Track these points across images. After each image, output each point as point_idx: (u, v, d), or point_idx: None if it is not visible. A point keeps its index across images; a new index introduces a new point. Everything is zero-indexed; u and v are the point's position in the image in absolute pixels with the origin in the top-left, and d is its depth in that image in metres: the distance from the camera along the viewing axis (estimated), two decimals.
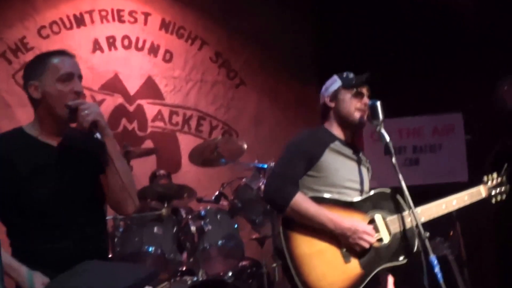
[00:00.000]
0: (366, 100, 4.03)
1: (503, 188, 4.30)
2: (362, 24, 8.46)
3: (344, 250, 3.77)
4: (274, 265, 6.15)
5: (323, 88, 4.16)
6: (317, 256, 3.74)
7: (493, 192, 4.27)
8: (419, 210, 3.96)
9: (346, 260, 3.76)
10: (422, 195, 4.05)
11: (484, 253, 8.39)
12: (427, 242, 3.66)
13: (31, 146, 3.30)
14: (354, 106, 4.01)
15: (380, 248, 3.84)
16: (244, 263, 6.52)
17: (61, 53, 3.40)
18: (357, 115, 4.00)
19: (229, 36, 8.72)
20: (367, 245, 3.76)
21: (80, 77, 3.34)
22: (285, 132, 8.22)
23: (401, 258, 3.86)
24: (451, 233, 7.56)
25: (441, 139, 8.21)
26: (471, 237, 7.94)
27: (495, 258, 8.47)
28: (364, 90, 4.06)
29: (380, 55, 8.27)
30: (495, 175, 4.30)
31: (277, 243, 3.88)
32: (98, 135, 3.18)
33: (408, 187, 3.85)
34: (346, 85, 4.05)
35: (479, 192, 4.23)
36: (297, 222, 3.78)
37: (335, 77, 4.14)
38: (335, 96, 4.07)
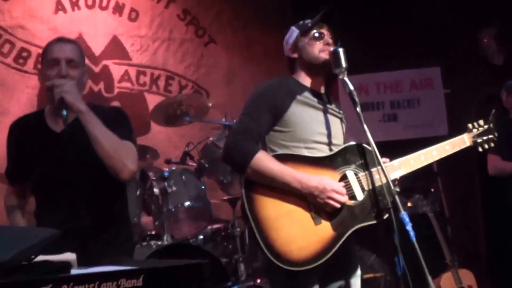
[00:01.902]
0: (328, 40, 3.77)
1: (490, 136, 4.07)
2: None
3: (314, 211, 3.49)
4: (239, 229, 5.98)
5: (284, 42, 3.92)
6: (284, 219, 3.45)
7: (479, 140, 4.03)
8: (396, 163, 3.72)
9: (317, 222, 3.48)
10: (404, 149, 3.82)
11: (470, 209, 8.28)
12: (397, 198, 3.40)
13: (40, 128, 3.63)
14: (317, 49, 3.75)
15: (354, 207, 3.55)
16: (216, 225, 6.37)
17: (56, 40, 3.63)
18: (322, 55, 3.73)
19: None
20: (337, 205, 3.47)
21: (70, 61, 3.52)
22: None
23: (377, 215, 3.58)
24: (432, 190, 7.45)
25: (420, 94, 8.15)
26: (456, 193, 7.84)
27: (482, 213, 8.36)
28: (324, 30, 3.80)
29: (359, 8, 8.10)
30: (481, 122, 4.06)
31: (242, 206, 3.59)
32: (64, 112, 3.33)
33: (388, 142, 3.65)
34: (303, 30, 3.81)
35: (462, 140, 3.96)
36: (261, 183, 3.49)
37: (292, 28, 3.91)
38: (295, 45, 3.83)
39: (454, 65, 8.10)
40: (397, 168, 3.70)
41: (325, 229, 3.48)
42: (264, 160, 3.46)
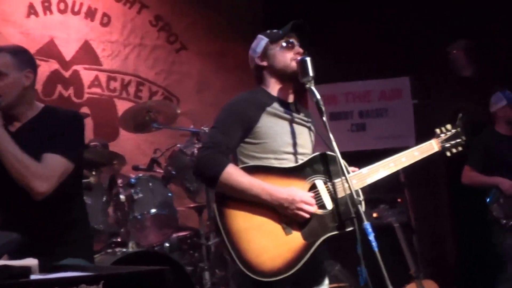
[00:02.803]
0: (298, 49, 3.76)
1: (458, 140, 4.09)
2: None
3: (284, 222, 3.49)
4: (211, 239, 5.98)
5: (250, 50, 3.88)
6: (255, 231, 3.46)
7: (447, 145, 4.05)
8: (366, 170, 3.73)
9: (287, 232, 3.48)
10: (375, 158, 3.82)
11: (437, 220, 8.35)
12: (360, 208, 3.42)
13: None
14: (288, 57, 3.74)
15: (323, 216, 3.55)
16: (182, 233, 6.37)
17: None
18: (289, 64, 3.72)
19: None
20: (307, 215, 3.47)
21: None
22: (231, 96, 7.93)
23: (346, 225, 3.56)
24: (399, 201, 7.49)
25: (388, 104, 8.17)
26: (423, 204, 7.89)
27: (450, 224, 8.44)
28: (294, 40, 3.80)
29: (331, 18, 8.15)
30: (448, 126, 4.08)
31: (213, 217, 3.59)
32: None
33: (359, 151, 3.67)
34: (274, 39, 3.81)
35: (431, 146, 3.95)
36: (231, 196, 3.49)
37: (259, 36, 3.89)
38: (265, 53, 3.80)
39: (423, 76, 8.17)
40: (367, 176, 3.71)
41: (296, 239, 3.49)
42: (233, 174, 3.46)
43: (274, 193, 3.46)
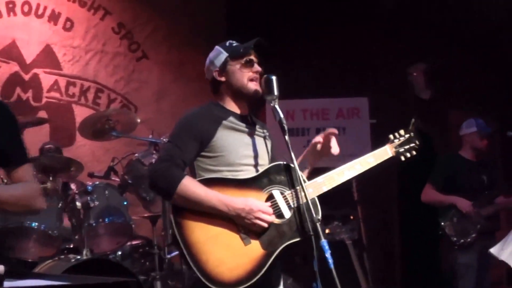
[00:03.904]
0: (257, 67, 3.79)
1: (412, 145, 4.14)
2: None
3: (242, 232, 3.54)
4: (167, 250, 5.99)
5: (207, 62, 3.88)
6: (213, 242, 3.50)
7: (400, 150, 4.10)
8: (321, 179, 3.76)
9: (246, 242, 3.53)
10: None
11: (388, 236, 8.45)
12: (318, 226, 3.48)
13: None
14: (246, 76, 3.77)
15: (281, 225, 3.60)
16: (135, 242, 6.36)
17: None
18: (251, 85, 3.75)
19: (134, 7, 8.47)
20: (264, 224, 3.52)
21: None
22: (189, 106, 7.84)
23: (303, 234, 3.60)
24: (352, 218, 7.57)
25: (346, 122, 8.22)
26: (374, 221, 7.98)
27: (400, 242, 8.55)
28: (253, 57, 3.82)
29: (293, 35, 8.21)
30: (402, 131, 4.13)
31: (171, 229, 3.60)
32: None
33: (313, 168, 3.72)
34: (234, 55, 3.81)
35: (385, 151, 4.01)
36: (188, 208, 3.52)
37: (218, 48, 3.87)
38: (223, 69, 3.80)
39: (382, 97, 8.26)
40: (322, 184, 3.74)
41: (255, 249, 3.53)
42: (190, 186, 3.50)
43: (231, 204, 3.50)
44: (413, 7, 8.05)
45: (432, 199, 6.50)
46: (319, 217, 3.57)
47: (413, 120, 4.20)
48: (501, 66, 7.70)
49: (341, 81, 8.33)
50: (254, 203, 3.54)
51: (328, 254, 3.36)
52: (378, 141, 7.71)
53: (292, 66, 7.88)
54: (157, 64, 8.53)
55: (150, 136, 6.23)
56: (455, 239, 6.26)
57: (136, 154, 5.99)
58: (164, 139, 5.78)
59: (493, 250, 4.69)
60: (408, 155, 4.08)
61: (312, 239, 3.49)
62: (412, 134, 4.11)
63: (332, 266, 3.33)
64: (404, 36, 8.12)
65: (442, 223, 6.33)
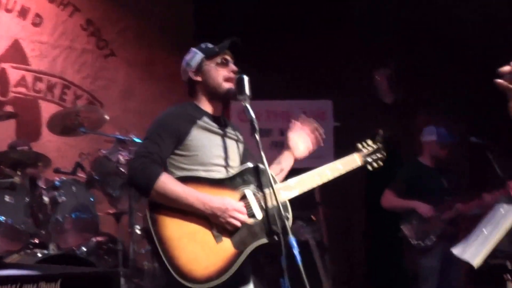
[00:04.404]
0: (233, 67, 3.87)
1: (379, 155, 4.24)
2: None
3: (215, 230, 3.59)
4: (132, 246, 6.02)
5: (184, 63, 3.94)
6: (187, 239, 3.54)
7: (369, 159, 4.20)
8: (292, 182, 3.84)
9: (218, 240, 3.58)
10: (291, 176, 3.94)
11: (349, 238, 8.54)
12: (287, 223, 3.54)
13: None
14: (221, 76, 3.83)
15: (253, 225, 3.66)
16: (99, 238, 6.38)
17: None
18: (226, 84, 3.81)
19: (104, 4, 8.48)
20: (238, 223, 3.59)
21: None
22: (156, 105, 8.05)
23: (275, 234, 3.65)
24: (314, 219, 7.65)
25: None
26: (336, 223, 8.05)
27: (363, 245, 8.65)
28: (229, 57, 3.90)
29: (260, 34, 8.26)
30: (370, 142, 4.23)
31: (145, 224, 3.65)
32: None
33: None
34: (209, 55, 3.88)
35: (353, 159, 4.08)
36: (164, 205, 3.57)
37: (194, 50, 3.94)
38: (199, 69, 3.87)
39: (346, 100, 8.35)
40: (293, 187, 3.82)
41: (227, 247, 3.59)
42: (168, 183, 3.55)
43: (207, 202, 3.55)
44: (380, 11, 8.14)
45: (392, 204, 6.59)
46: (289, 215, 3.67)
47: (380, 131, 4.30)
48: (470, 71, 7.83)
49: (306, 84, 8.38)
50: (230, 203, 3.60)
51: (296, 251, 3.41)
52: (341, 144, 7.88)
53: (257, 67, 7.91)
54: (124, 63, 8.53)
55: (117, 133, 6.26)
56: (415, 242, 6.33)
57: (103, 151, 6.02)
58: (132, 137, 5.83)
59: (455, 250, 4.79)
60: (375, 165, 4.17)
61: (281, 236, 3.55)
62: (379, 145, 4.21)
63: (300, 262, 3.38)
64: (370, 40, 8.20)
65: (402, 227, 6.41)
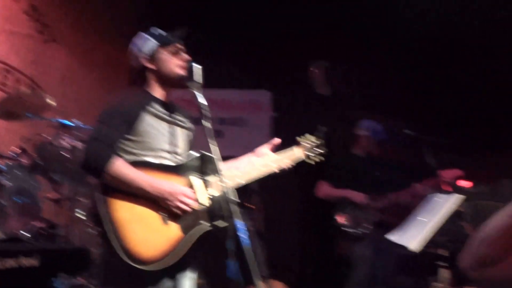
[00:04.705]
0: (186, 56, 3.96)
1: (320, 150, 4.39)
2: None
3: (164, 213, 3.70)
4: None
5: (135, 49, 4.00)
6: (137, 221, 3.63)
7: (310, 154, 4.34)
8: (239, 172, 3.99)
9: (166, 224, 3.69)
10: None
11: (285, 225, 8.68)
12: (233, 206, 3.64)
13: None
14: (175, 64, 3.93)
15: (200, 211, 3.79)
16: (40, 223, 6.38)
17: None
18: (180, 72, 3.91)
19: None
20: (187, 208, 3.71)
21: None
22: (96, 92, 8.07)
23: (220, 221, 3.81)
24: (251, 205, 7.75)
25: (248, 114, 8.38)
26: (273, 210, 8.15)
27: (297, 232, 8.79)
28: (181, 46, 3.99)
29: (201, 24, 8.30)
30: (310, 136, 4.37)
31: (94, 209, 3.71)
32: None
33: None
34: (164, 43, 3.97)
35: (296, 153, 4.27)
36: (115, 187, 3.65)
37: (145, 36, 4.02)
38: (153, 56, 3.96)
39: (284, 91, 8.46)
40: (238, 177, 3.97)
41: (175, 231, 3.71)
42: (119, 166, 3.64)
43: (157, 186, 3.66)
44: (322, 4, 8.27)
45: (326, 193, 6.73)
46: (235, 202, 3.71)
47: (322, 128, 4.47)
48: (407, 65, 8.00)
49: (245, 74, 8.46)
50: (178, 187, 3.72)
51: (242, 234, 3.55)
52: (278, 135, 8.00)
53: (197, 56, 7.99)
54: (66, 48, 8.47)
55: (60, 119, 6.27)
56: (349, 230, 6.46)
57: (47, 136, 6.04)
58: (77, 122, 5.86)
59: (391, 237, 4.96)
60: (317, 159, 4.37)
61: (228, 220, 3.72)
62: (320, 140, 4.41)
63: (246, 245, 3.52)
64: (309, 33, 8.29)
65: (336, 215, 6.54)
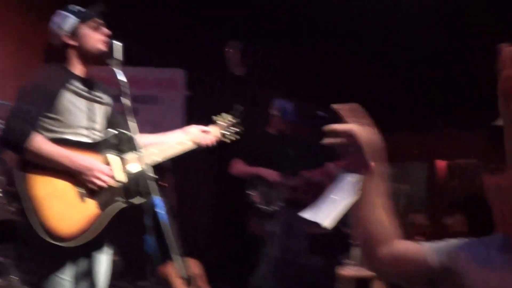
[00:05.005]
0: (107, 31, 3.96)
1: (235, 129, 4.49)
2: None
3: (82, 189, 3.71)
4: None
5: (55, 27, 3.95)
6: (55, 198, 3.64)
7: (226, 132, 4.42)
8: (155, 149, 4.04)
9: (84, 200, 3.71)
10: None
11: (200, 204, 8.75)
12: (151, 183, 3.72)
13: None
14: (97, 39, 3.91)
15: (117, 188, 3.82)
16: None
17: None
18: (101, 48, 3.90)
19: None
20: (104, 184, 3.73)
21: None
22: (9, 66, 7.88)
23: (137, 197, 3.85)
24: (164, 183, 7.77)
25: (161, 93, 8.38)
26: (186, 189, 8.18)
27: (210, 209, 8.88)
28: (101, 21, 3.98)
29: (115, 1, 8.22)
30: (226, 115, 4.45)
31: (10, 185, 3.71)
32: None
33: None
34: (84, 19, 3.94)
35: (213, 131, 4.35)
36: (34, 163, 3.64)
37: (65, 13, 3.97)
38: (74, 32, 3.92)
39: (198, 70, 8.47)
40: (155, 154, 4.02)
41: (92, 207, 3.73)
42: (39, 142, 3.64)
43: (76, 160, 3.68)
44: None
45: (239, 171, 6.77)
46: (152, 179, 3.82)
47: (239, 107, 4.55)
48: (323, 48, 8.10)
49: (159, 52, 8.45)
50: (95, 163, 3.75)
51: (160, 209, 3.65)
52: (191, 114, 8.03)
53: (113, 34, 7.92)
54: None
55: None
56: (261, 207, 6.54)
57: None
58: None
59: (305, 214, 5.06)
60: (233, 138, 4.47)
61: (146, 196, 3.78)
62: (236, 119, 4.48)
63: (164, 220, 3.65)
64: (224, 13, 8.31)
65: (249, 192, 6.61)
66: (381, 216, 2.14)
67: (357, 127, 2.03)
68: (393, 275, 2.17)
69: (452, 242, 2.11)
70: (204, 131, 4.32)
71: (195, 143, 4.23)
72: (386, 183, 2.12)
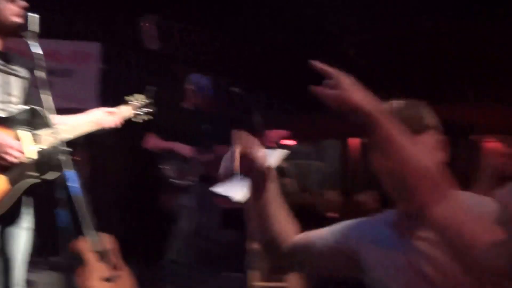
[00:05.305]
0: (23, 2, 3.81)
1: (148, 109, 4.48)
2: None
3: None
4: None
5: None
6: None
7: (139, 112, 4.43)
8: (68, 126, 3.98)
9: None
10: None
11: (111, 178, 8.76)
12: (64, 156, 3.68)
13: None
14: (9, 11, 3.78)
15: (28, 164, 3.74)
16: None
17: None
18: (16, 20, 3.78)
19: None
20: (14, 160, 3.65)
21: None
22: None
23: (50, 173, 3.80)
24: (77, 158, 7.71)
25: (76, 66, 8.29)
26: (98, 164, 8.15)
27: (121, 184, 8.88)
28: None
29: None
30: (139, 96, 4.45)
31: None
32: None
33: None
34: None
35: (124, 111, 4.32)
36: None
37: None
38: None
39: (114, 43, 8.42)
40: (68, 131, 3.96)
41: (2, 184, 3.67)
42: None
43: None
44: None
45: (154, 145, 6.73)
46: (64, 154, 3.75)
47: (151, 87, 4.56)
48: (240, 25, 8.12)
49: (75, 24, 8.35)
50: (5, 138, 3.68)
51: (73, 183, 3.63)
52: (105, 87, 7.97)
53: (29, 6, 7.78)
54: None
55: None
56: (174, 181, 6.57)
57: None
58: None
59: (216, 189, 5.13)
60: (146, 118, 4.48)
61: (57, 171, 3.74)
62: (150, 100, 4.50)
63: (76, 194, 3.64)
64: None
65: (163, 167, 6.64)
66: (282, 215, 2.23)
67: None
68: (302, 266, 2.27)
69: (346, 222, 2.21)
70: (109, 113, 4.30)
71: (99, 125, 4.21)
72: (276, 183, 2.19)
